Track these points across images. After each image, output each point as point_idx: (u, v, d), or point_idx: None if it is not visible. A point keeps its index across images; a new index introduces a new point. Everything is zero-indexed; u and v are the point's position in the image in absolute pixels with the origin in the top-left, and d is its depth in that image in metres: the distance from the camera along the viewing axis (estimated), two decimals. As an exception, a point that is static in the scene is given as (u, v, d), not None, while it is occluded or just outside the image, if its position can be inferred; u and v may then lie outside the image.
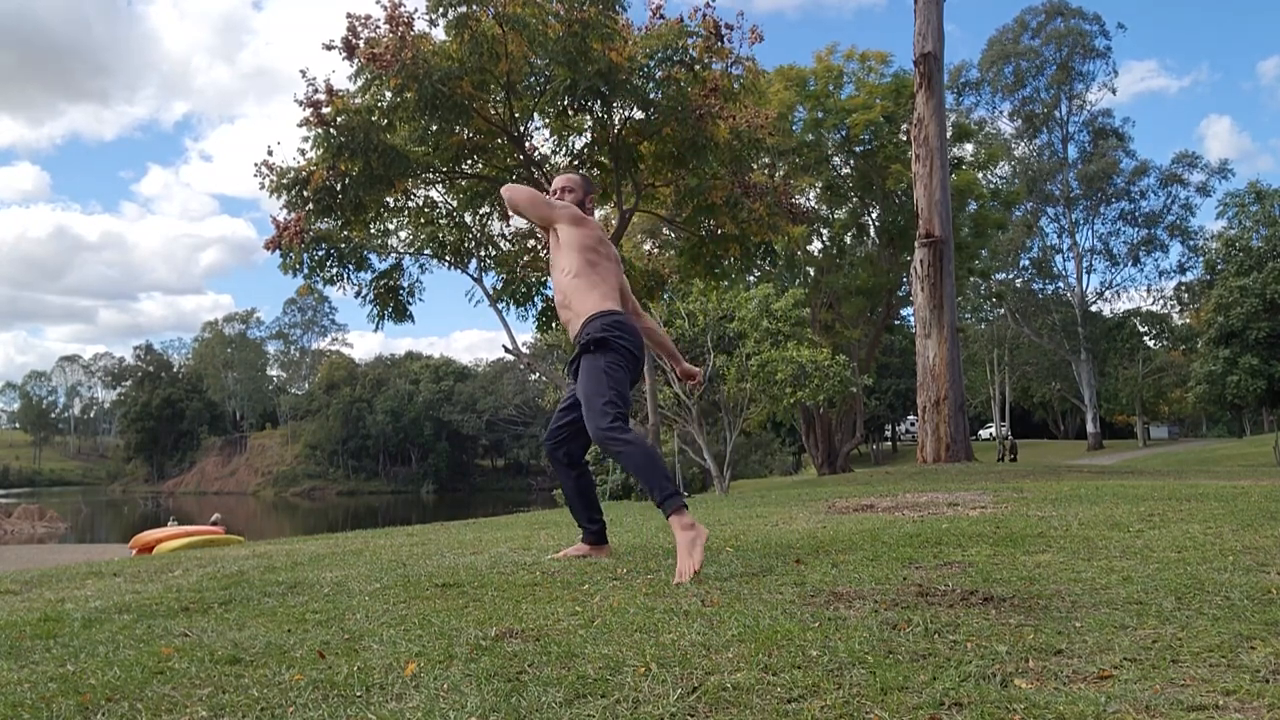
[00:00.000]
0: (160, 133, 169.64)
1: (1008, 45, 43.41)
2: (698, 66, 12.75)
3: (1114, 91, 51.50)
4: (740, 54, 13.20)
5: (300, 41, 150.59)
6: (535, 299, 15.73)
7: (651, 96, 12.89)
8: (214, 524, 16.55)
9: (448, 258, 15.22)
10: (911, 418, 48.99)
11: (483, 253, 15.55)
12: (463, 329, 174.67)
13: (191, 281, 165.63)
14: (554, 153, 14.68)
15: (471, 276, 15.57)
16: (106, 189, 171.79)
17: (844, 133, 27.44)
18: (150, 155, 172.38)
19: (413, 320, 15.16)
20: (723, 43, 12.87)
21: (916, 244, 14.66)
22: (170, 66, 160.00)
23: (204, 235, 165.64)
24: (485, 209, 15.18)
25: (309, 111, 12.12)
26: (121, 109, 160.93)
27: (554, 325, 16.68)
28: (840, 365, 18.40)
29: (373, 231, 14.54)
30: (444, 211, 15.13)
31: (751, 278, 22.34)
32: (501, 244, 15.81)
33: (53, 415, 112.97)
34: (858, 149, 28.17)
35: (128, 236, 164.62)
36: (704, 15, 12.70)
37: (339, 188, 12.52)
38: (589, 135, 14.02)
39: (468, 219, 15.40)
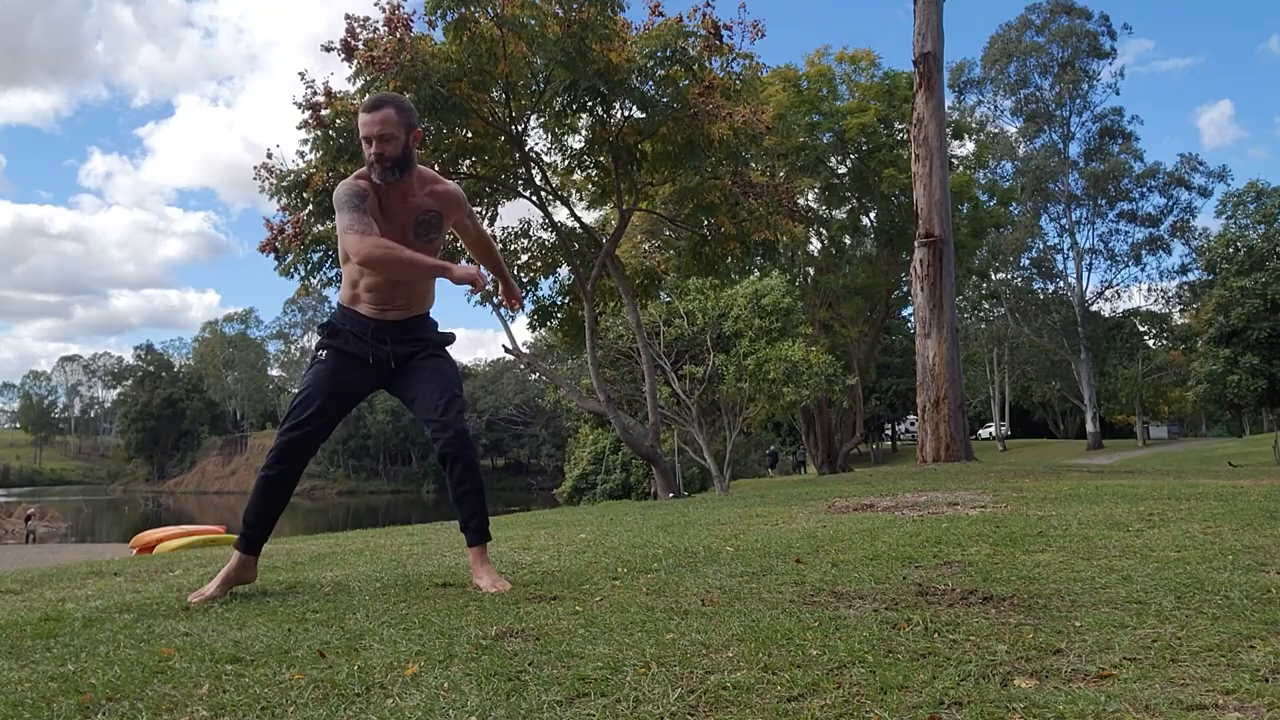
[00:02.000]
0: (125, 121, 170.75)
1: (1010, 44, 43.35)
2: (696, 66, 12.76)
3: (1117, 92, 51.58)
4: (741, 50, 13.25)
5: (280, 31, 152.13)
6: (526, 299, 15.83)
7: (650, 95, 12.90)
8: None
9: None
10: (911, 417, 49.00)
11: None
12: (446, 328, 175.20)
13: (167, 276, 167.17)
14: (548, 150, 14.73)
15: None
16: (59, 181, 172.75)
17: (839, 135, 27.44)
18: (115, 145, 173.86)
19: None
20: (722, 41, 12.88)
21: (916, 244, 14.65)
22: (136, 53, 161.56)
23: (176, 229, 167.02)
24: (480, 209, 15.22)
25: (308, 114, 12.14)
26: (82, 93, 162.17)
27: (547, 324, 16.71)
28: (825, 364, 18.35)
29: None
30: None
31: (754, 275, 22.33)
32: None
33: (53, 415, 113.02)
34: (853, 153, 28.19)
35: (92, 229, 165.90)
36: (703, 14, 12.71)
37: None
38: (586, 133, 14.05)
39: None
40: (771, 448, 45.36)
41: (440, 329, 3.30)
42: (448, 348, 3.28)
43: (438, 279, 3.16)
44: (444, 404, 3.05)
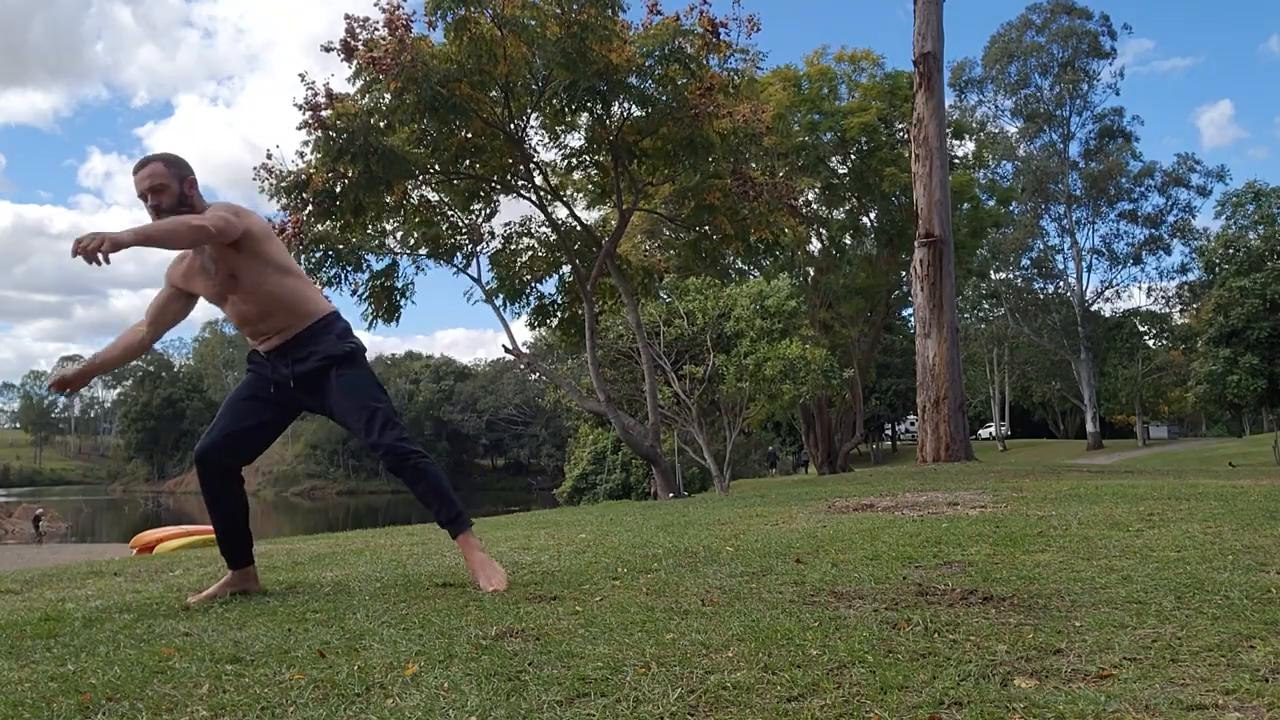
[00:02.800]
0: (124, 121, 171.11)
1: (1011, 44, 43.34)
2: (693, 65, 12.76)
3: (1117, 92, 51.63)
4: (738, 45, 13.26)
5: (279, 31, 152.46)
6: (529, 297, 15.84)
7: (649, 94, 12.91)
8: None
9: (441, 255, 15.27)
10: (911, 418, 48.97)
11: (477, 248, 15.60)
12: (446, 328, 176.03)
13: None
14: (547, 149, 14.75)
15: (471, 277, 15.64)
16: (59, 181, 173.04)
17: (840, 134, 27.44)
18: (115, 145, 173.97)
19: (398, 321, 15.29)
20: (719, 39, 12.89)
21: (916, 244, 14.65)
22: (135, 53, 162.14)
23: None
24: (478, 206, 15.24)
25: (308, 115, 12.14)
26: (82, 93, 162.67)
27: (547, 323, 16.71)
28: (822, 360, 18.35)
29: (370, 231, 14.58)
30: (439, 211, 15.17)
31: (754, 274, 22.34)
32: (493, 243, 15.89)
33: (53, 415, 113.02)
34: (853, 153, 28.18)
35: (92, 228, 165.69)
36: (700, 12, 12.71)
37: (338, 189, 12.55)
38: (585, 132, 14.05)
39: (462, 217, 15.45)
40: (770, 448, 45.59)
41: (344, 337, 3.18)
42: (360, 355, 3.20)
43: (287, 300, 3.14)
44: (365, 423, 3.06)
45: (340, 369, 3.11)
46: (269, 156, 12.82)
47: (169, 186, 3.02)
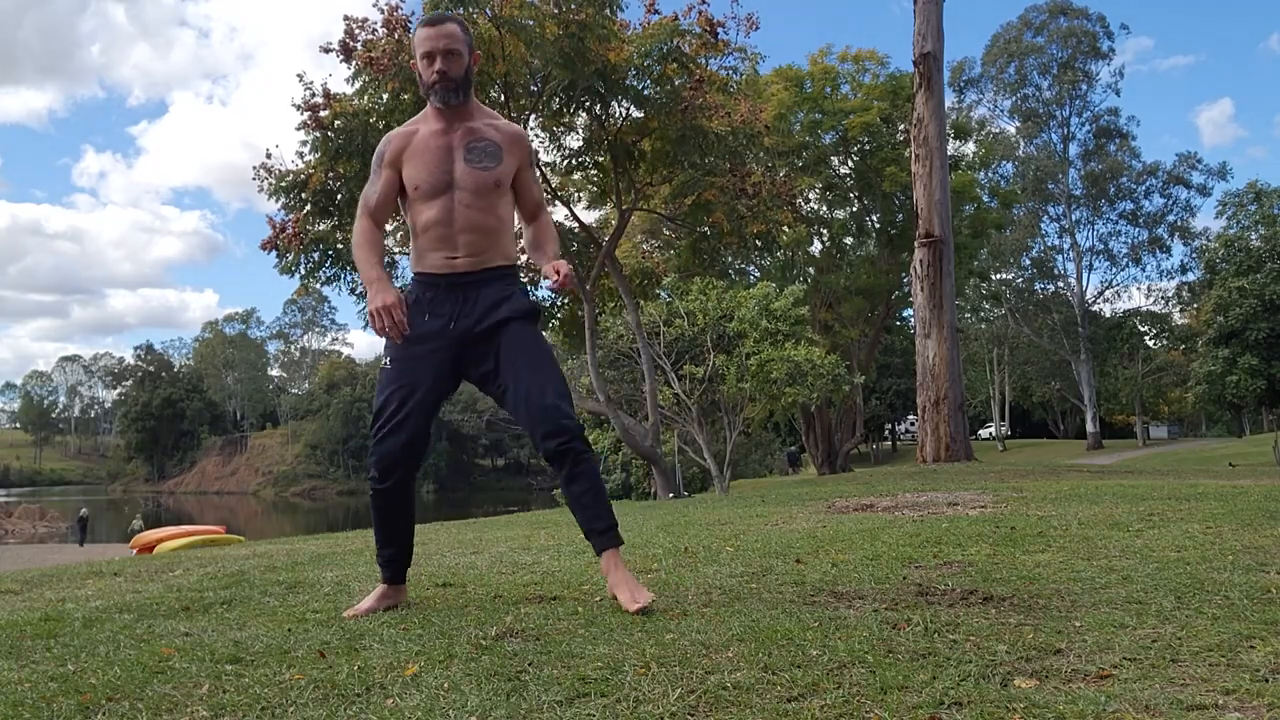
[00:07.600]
0: (119, 120, 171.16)
1: (1010, 44, 43.37)
2: (690, 65, 12.79)
3: (1118, 92, 51.64)
4: (736, 44, 13.30)
5: (274, 30, 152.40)
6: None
7: (646, 94, 12.93)
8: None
9: None
10: (911, 418, 48.98)
11: None
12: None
13: (164, 276, 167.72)
14: (546, 150, 14.75)
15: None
16: (54, 180, 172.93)
17: (841, 134, 27.43)
18: (109, 144, 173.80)
19: None
20: (717, 38, 12.92)
21: (916, 244, 14.65)
22: (129, 52, 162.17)
23: (172, 229, 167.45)
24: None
25: (307, 115, 12.16)
26: (76, 92, 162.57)
27: (548, 324, 16.68)
28: (832, 364, 18.33)
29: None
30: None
31: (754, 275, 22.33)
32: None
33: (53, 415, 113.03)
34: (855, 151, 28.17)
35: (88, 228, 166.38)
36: (699, 11, 12.73)
37: (336, 187, 12.57)
38: (584, 133, 14.06)
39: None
40: (791, 448, 45.60)
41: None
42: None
43: None
44: None
45: None
46: (268, 156, 12.85)
47: (462, 56, 2.69)
